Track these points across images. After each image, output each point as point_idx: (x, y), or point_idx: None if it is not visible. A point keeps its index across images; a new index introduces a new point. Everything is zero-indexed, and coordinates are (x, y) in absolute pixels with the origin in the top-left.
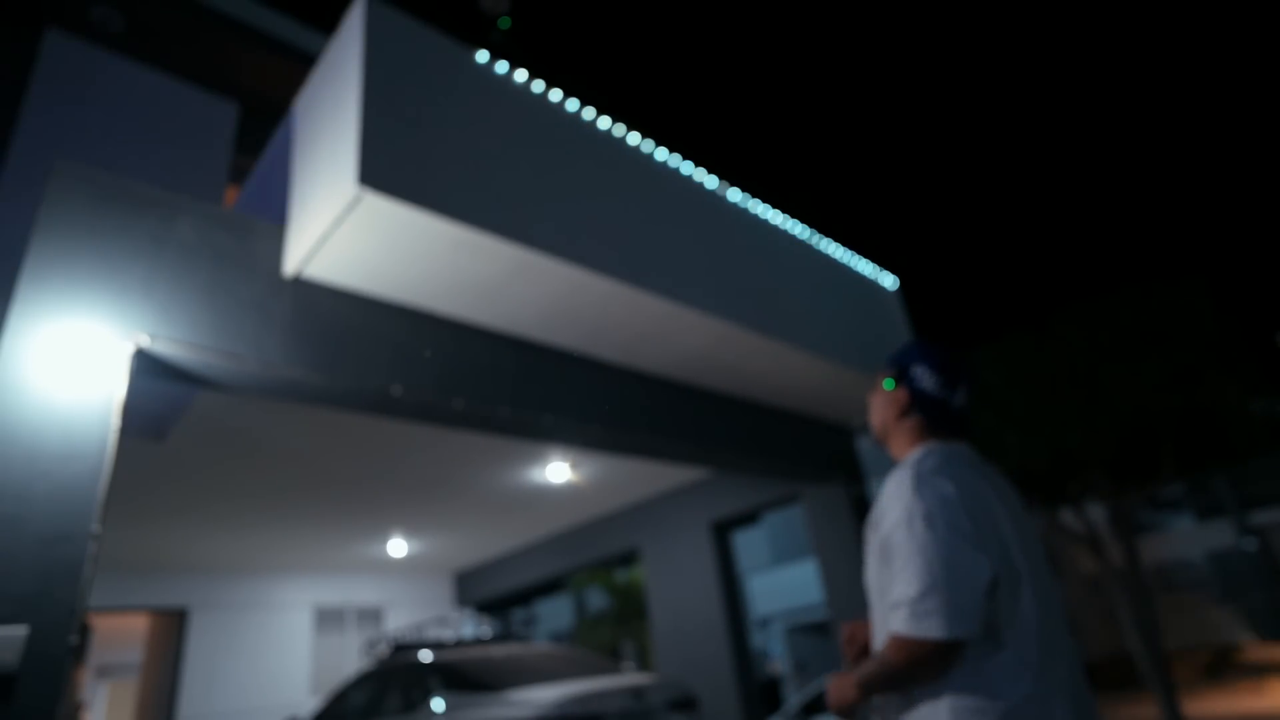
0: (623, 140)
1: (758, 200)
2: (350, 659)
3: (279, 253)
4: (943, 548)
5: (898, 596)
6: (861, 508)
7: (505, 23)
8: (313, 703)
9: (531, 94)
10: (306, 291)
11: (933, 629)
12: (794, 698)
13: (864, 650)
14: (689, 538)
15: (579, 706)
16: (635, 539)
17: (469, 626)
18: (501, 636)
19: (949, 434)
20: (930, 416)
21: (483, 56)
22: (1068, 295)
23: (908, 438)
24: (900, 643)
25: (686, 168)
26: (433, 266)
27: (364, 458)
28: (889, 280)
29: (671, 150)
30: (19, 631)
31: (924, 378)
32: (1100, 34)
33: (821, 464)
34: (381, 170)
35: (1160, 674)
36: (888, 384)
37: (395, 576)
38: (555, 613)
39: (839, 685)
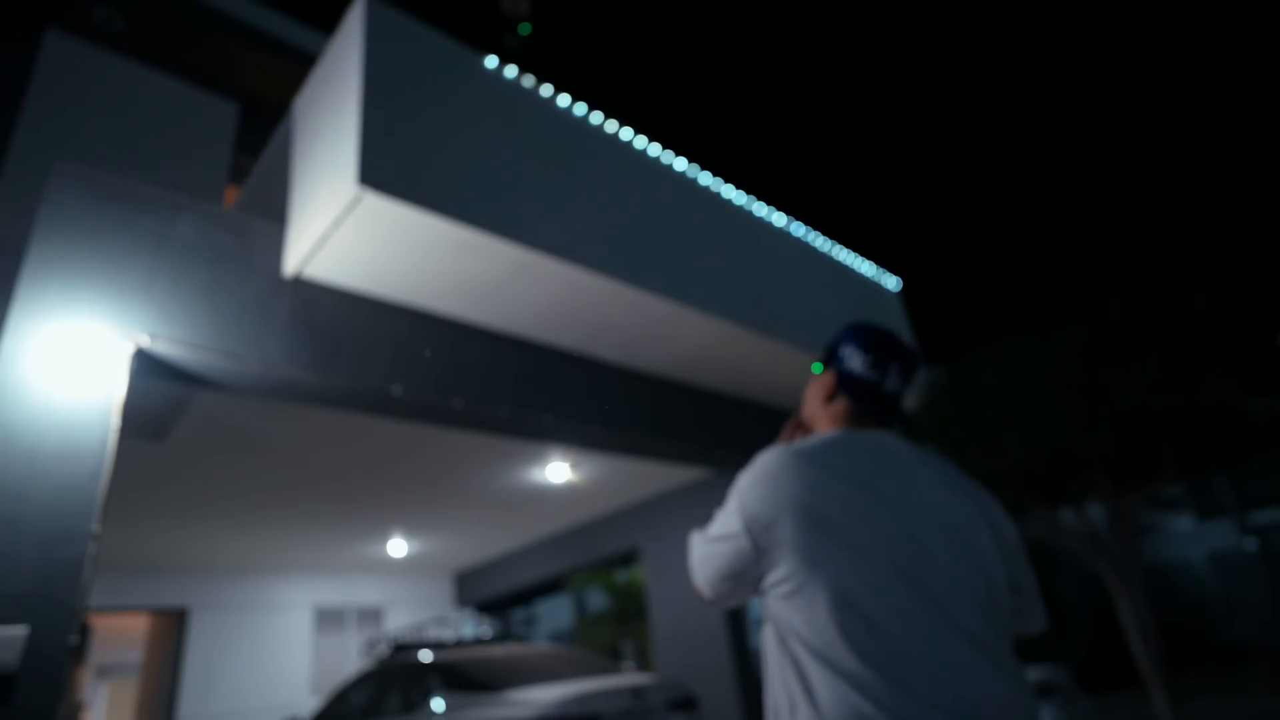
0: (623, 140)
1: (759, 201)
2: (350, 659)
3: (279, 253)
4: (722, 523)
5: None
6: None
7: (526, 28)
8: (313, 703)
9: (532, 94)
10: (306, 291)
11: (696, 580)
12: None
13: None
14: (689, 538)
15: (579, 706)
16: (635, 539)
17: (469, 626)
18: (501, 636)
19: (879, 421)
20: (859, 400)
21: (484, 57)
22: (1068, 295)
23: (831, 425)
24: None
25: (687, 168)
26: (433, 267)
27: (364, 458)
28: (891, 281)
29: (673, 151)
30: (19, 631)
31: (851, 357)
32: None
33: None
34: (381, 170)
35: (1160, 674)
36: (815, 368)
37: (395, 576)
38: (555, 613)
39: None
